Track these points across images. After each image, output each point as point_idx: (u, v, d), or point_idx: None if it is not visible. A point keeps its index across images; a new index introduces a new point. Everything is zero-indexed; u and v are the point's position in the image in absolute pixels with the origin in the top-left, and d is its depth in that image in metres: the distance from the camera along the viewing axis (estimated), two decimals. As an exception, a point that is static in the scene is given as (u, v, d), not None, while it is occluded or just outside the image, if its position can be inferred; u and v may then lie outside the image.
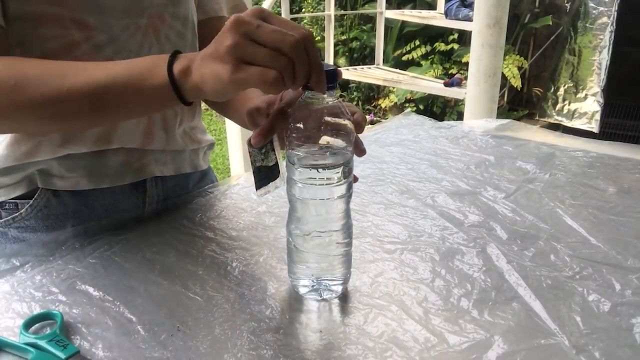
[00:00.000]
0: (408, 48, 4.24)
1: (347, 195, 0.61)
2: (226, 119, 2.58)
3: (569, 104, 3.75)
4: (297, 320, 0.60)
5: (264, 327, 0.59)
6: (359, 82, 4.42)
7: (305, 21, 4.87)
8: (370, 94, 4.65)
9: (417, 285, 0.65)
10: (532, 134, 1.18)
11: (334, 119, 0.57)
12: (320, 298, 0.63)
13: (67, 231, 0.76)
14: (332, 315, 0.61)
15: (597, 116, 3.58)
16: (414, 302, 0.62)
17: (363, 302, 0.63)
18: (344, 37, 4.73)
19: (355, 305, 0.62)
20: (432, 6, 4.09)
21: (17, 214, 0.74)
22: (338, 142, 0.58)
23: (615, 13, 3.41)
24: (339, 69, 0.57)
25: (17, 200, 0.73)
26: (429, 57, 4.18)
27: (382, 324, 0.59)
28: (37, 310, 0.62)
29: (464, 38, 3.99)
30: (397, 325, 0.58)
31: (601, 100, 3.56)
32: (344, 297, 0.64)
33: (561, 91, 3.77)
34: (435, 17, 3.74)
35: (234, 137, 2.55)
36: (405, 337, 0.56)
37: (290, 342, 0.57)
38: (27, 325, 0.59)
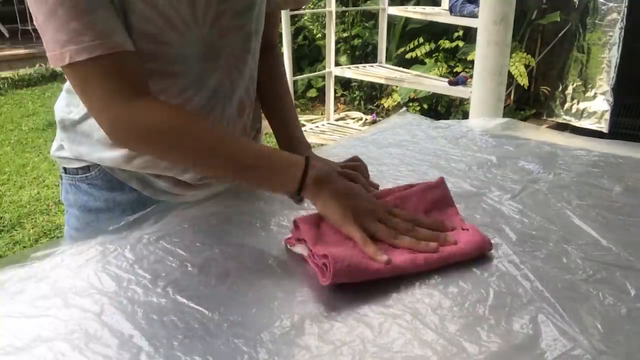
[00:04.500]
0: (411, 46, 4.15)
1: None
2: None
3: (578, 103, 3.67)
4: (308, 331, 0.55)
5: (277, 334, 0.54)
6: (361, 81, 4.33)
7: (305, 18, 4.79)
8: (373, 93, 4.56)
9: (430, 292, 0.62)
10: (532, 132, 1.17)
11: None
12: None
13: (125, 193, 0.86)
14: (344, 326, 0.56)
15: (607, 115, 3.51)
16: (429, 309, 0.59)
17: (376, 310, 0.59)
18: (345, 35, 4.65)
19: (366, 314, 0.58)
20: (436, 2, 4.00)
21: (88, 174, 0.87)
22: None
23: (625, 9, 3.34)
24: None
25: (90, 163, 0.86)
26: (433, 55, 4.10)
27: (397, 333, 0.55)
28: None
29: (469, 35, 3.91)
30: (413, 335, 0.55)
31: (611, 99, 3.49)
32: (356, 306, 0.59)
33: (569, 90, 3.69)
34: (439, 14, 3.66)
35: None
36: (422, 349, 0.53)
37: (299, 355, 0.52)
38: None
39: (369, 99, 4.58)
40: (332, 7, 3.69)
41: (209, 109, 0.82)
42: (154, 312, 0.57)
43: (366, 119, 4.33)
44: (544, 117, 3.91)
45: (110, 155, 0.83)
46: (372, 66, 3.93)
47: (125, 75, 0.69)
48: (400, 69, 3.91)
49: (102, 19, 0.65)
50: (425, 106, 4.09)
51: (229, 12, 0.78)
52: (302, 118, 4.12)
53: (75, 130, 0.84)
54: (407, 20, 4.16)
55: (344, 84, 4.68)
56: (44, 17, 0.64)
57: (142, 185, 0.87)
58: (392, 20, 4.11)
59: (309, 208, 0.81)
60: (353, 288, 0.62)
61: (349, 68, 3.90)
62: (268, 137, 3.77)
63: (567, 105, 3.74)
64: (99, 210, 0.87)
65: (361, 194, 0.72)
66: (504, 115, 2.70)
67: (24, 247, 2.51)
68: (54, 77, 5.64)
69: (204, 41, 0.77)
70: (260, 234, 0.74)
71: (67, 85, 0.82)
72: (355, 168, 0.88)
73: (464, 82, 3.29)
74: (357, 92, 4.60)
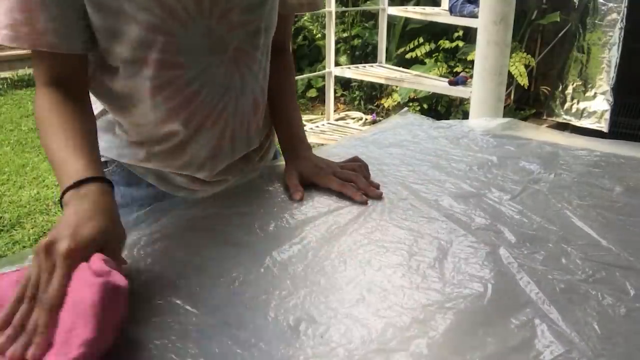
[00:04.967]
0: (411, 46, 4.15)
1: None
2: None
3: (578, 103, 3.66)
4: (304, 332, 0.55)
5: (273, 336, 0.53)
6: (361, 81, 4.33)
7: (305, 18, 4.78)
8: (373, 93, 4.56)
9: (427, 293, 0.61)
10: (533, 132, 1.16)
11: None
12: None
13: (142, 188, 0.88)
14: (341, 327, 0.56)
15: (607, 115, 3.50)
16: (427, 310, 0.58)
17: (373, 312, 0.58)
18: (345, 35, 4.65)
19: (363, 316, 0.57)
20: (436, 2, 3.99)
21: (105, 169, 0.87)
22: None
23: (625, 9, 3.33)
24: None
25: (107, 159, 0.87)
26: (433, 55, 4.10)
27: (393, 334, 0.55)
28: None
29: (469, 35, 3.90)
30: (409, 336, 0.55)
31: (611, 99, 3.48)
32: (353, 308, 0.59)
33: (569, 90, 3.69)
34: (439, 14, 3.65)
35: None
36: (418, 348, 0.53)
37: (295, 357, 0.52)
38: None
39: (369, 99, 4.58)
40: (332, 7, 3.69)
41: (222, 107, 0.82)
42: (149, 314, 0.57)
43: (366, 119, 4.33)
44: (544, 117, 3.91)
45: (131, 152, 0.84)
46: (372, 66, 3.92)
47: (50, 69, 0.73)
48: (400, 69, 3.90)
49: (45, 19, 0.68)
50: (425, 106, 4.08)
51: (238, 7, 0.78)
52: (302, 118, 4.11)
53: None
54: (407, 20, 4.16)
55: (344, 84, 4.68)
56: None
57: (159, 181, 0.88)
58: (392, 20, 4.11)
59: (306, 209, 0.80)
60: (350, 290, 0.61)
61: (349, 68, 3.89)
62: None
63: (567, 105, 3.73)
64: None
65: (64, 236, 0.54)
66: (504, 115, 2.70)
67: (24, 246, 2.50)
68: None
69: (210, 34, 0.77)
70: (259, 235, 0.73)
71: None
72: (355, 168, 0.88)
73: (464, 82, 3.28)
74: (357, 92, 4.60)
